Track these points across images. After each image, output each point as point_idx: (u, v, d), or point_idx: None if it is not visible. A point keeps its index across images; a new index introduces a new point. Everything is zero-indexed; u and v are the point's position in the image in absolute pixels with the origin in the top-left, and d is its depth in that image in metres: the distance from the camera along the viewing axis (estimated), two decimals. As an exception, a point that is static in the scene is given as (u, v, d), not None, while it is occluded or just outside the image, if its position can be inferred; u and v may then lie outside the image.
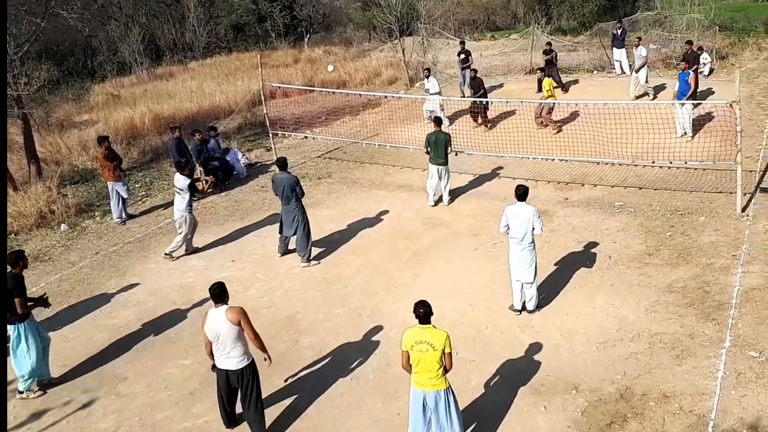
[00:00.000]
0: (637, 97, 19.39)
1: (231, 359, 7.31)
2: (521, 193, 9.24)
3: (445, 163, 13.46)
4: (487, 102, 18.44)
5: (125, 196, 14.55)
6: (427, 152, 13.56)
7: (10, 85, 16.27)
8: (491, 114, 18.71)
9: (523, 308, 9.61)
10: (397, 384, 8.30)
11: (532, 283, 9.40)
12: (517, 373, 8.32)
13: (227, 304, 7.38)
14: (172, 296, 11.15)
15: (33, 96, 18.24)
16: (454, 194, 14.36)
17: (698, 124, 15.93)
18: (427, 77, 19.89)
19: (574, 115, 17.73)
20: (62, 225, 14.61)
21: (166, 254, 12.45)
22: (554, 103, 17.21)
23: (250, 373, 7.44)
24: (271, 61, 33.29)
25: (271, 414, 8.01)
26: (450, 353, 6.67)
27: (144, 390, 8.71)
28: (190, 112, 23.68)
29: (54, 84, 32.02)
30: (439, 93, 19.60)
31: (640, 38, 21.29)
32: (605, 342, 8.75)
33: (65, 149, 19.74)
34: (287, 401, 8.24)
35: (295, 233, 11.71)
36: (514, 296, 9.59)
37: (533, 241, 9.26)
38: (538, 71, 20.12)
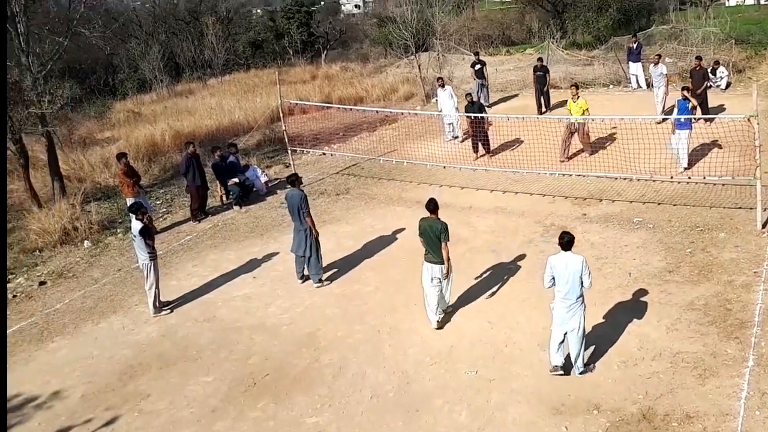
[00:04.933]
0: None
1: None
2: (567, 242, 8.20)
3: (438, 263, 9.68)
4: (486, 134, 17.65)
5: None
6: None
7: (34, 104, 16.47)
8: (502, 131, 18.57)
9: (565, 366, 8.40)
10: (417, 403, 8.27)
11: (578, 337, 8.28)
12: (537, 391, 8.24)
13: None
14: (194, 313, 11.19)
15: (56, 114, 18.44)
16: (473, 208, 14.31)
17: (716, 139, 15.74)
18: (442, 86, 19.44)
19: (592, 131, 17.63)
20: (85, 242, 14.72)
21: (153, 315, 11.22)
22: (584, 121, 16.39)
23: None
24: (289, 77, 33.57)
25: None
26: None
27: (167, 407, 8.72)
28: (210, 128, 23.86)
29: (76, 102, 32.46)
30: (456, 107, 19.33)
31: (659, 56, 20.37)
32: (626, 361, 8.65)
33: (88, 166, 19.95)
34: (308, 419, 8.21)
35: (304, 254, 11.53)
36: (553, 350, 8.42)
37: (582, 296, 8.23)
38: (572, 87, 17.47)
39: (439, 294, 9.80)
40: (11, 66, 16.92)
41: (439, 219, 9.64)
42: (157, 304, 11.29)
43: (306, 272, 11.76)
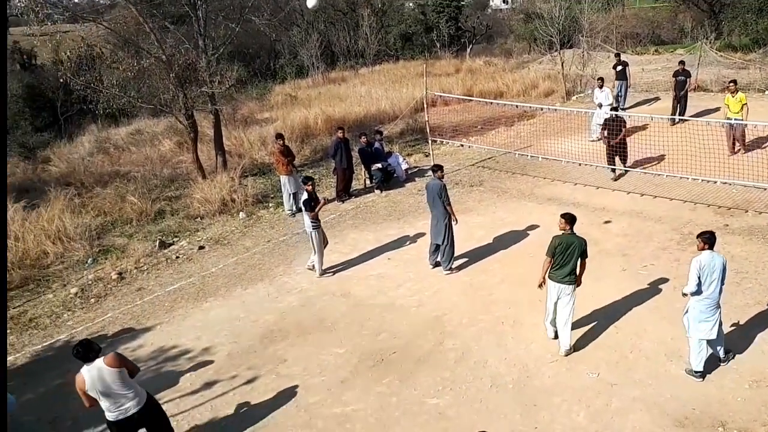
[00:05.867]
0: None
1: (131, 402, 6.89)
2: (713, 241, 7.86)
3: (572, 282, 8.82)
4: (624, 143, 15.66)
5: (294, 190, 15.19)
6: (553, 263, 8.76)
7: (206, 83, 17.40)
8: (645, 132, 17.51)
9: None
10: (536, 398, 8.08)
11: (718, 335, 8.06)
12: (660, 402, 7.79)
13: (99, 357, 6.81)
14: (332, 287, 11.53)
15: (224, 93, 19.51)
16: (606, 209, 13.67)
17: None
18: (600, 87, 18.50)
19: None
20: (241, 213, 15.54)
21: (319, 277, 11.95)
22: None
23: (154, 404, 7.20)
24: (435, 69, 33.49)
25: (414, 410, 8.08)
26: None
27: (300, 373, 9.08)
28: (359, 115, 24.32)
29: (241, 83, 34.25)
30: (611, 105, 18.48)
31: None
32: (759, 381, 7.97)
33: (247, 143, 20.99)
34: (429, 400, 8.25)
35: (442, 242, 11.54)
36: (694, 357, 8.11)
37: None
38: (731, 83, 16.57)
39: (563, 320, 8.87)
40: (190, 49, 17.97)
41: (576, 234, 8.78)
42: (321, 269, 11.96)
43: (438, 259, 11.78)
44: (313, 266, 12.06)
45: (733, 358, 8.39)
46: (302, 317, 10.58)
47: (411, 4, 53.91)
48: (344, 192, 16.07)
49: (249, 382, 8.96)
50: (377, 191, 16.36)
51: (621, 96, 21.63)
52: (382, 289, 11.30)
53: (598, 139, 18.50)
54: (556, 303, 8.92)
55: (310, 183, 11.83)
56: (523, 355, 9.02)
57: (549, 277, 8.85)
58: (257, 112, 27.34)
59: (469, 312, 10.29)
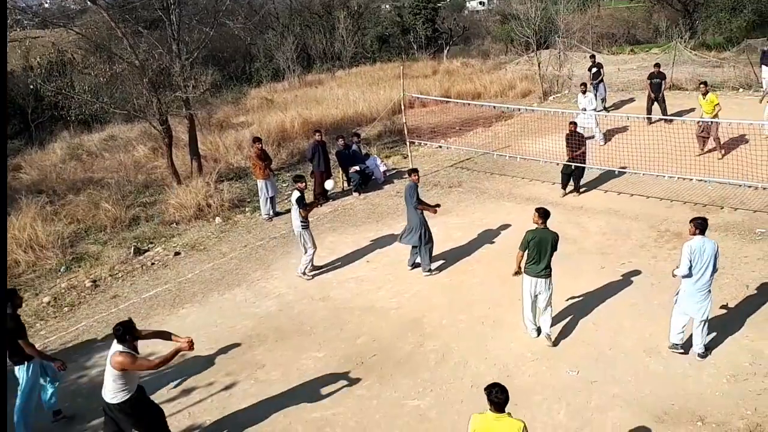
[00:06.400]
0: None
1: (106, 392, 6.99)
2: (705, 226, 8.10)
3: (548, 276, 9.04)
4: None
5: (271, 194, 15.14)
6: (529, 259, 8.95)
7: (180, 88, 17.26)
8: (621, 131, 17.72)
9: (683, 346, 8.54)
10: (516, 397, 8.05)
11: (704, 320, 8.29)
12: (639, 398, 7.88)
13: (124, 346, 6.92)
14: (310, 291, 11.50)
15: (199, 98, 19.27)
16: (584, 208, 13.83)
17: None
18: (584, 92, 18.58)
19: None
20: (217, 218, 15.42)
21: (299, 275, 11.98)
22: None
23: (123, 410, 7.02)
24: (412, 71, 33.58)
25: (394, 413, 8.09)
26: None
27: (279, 378, 9.03)
28: (336, 118, 24.29)
29: (216, 87, 33.99)
30: (595, 109, 18.59)
31: None
32: (736, 375, 8.10)
33: (223, 148, 20.83)
34: (410, 402, 8.27)
35: (418, 244, 11.54)
36: (675, 332, 8.51)
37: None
38: (701, 85, 17.02)
39: (542, 308, 9.08)
40: (164, 53, 17.82)
41: (549, 229, 8.94)
42: (306, 270, 11.95)
43: (417, 260, 11.81)
44: (303, 273, 12.00)
45: (710, 353, 8.52)
46: (280, 322, 10.54)
47: (387, 6, 54.14)
48: (322, 195, 16.04)
49: (227, 388, 8.89)
50: (355, 194, 16.36)
51: (599, 96, 21.87)
52: (361, 292, 11.30)
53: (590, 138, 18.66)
54: (533, 301, 9.04)
55: (302, 181, 11.87)
56: (504, 355, 9.07)
57: (525, 272, 8.99)
58: (233, 116, 27.13)
59: (448, 313, 10.32)
